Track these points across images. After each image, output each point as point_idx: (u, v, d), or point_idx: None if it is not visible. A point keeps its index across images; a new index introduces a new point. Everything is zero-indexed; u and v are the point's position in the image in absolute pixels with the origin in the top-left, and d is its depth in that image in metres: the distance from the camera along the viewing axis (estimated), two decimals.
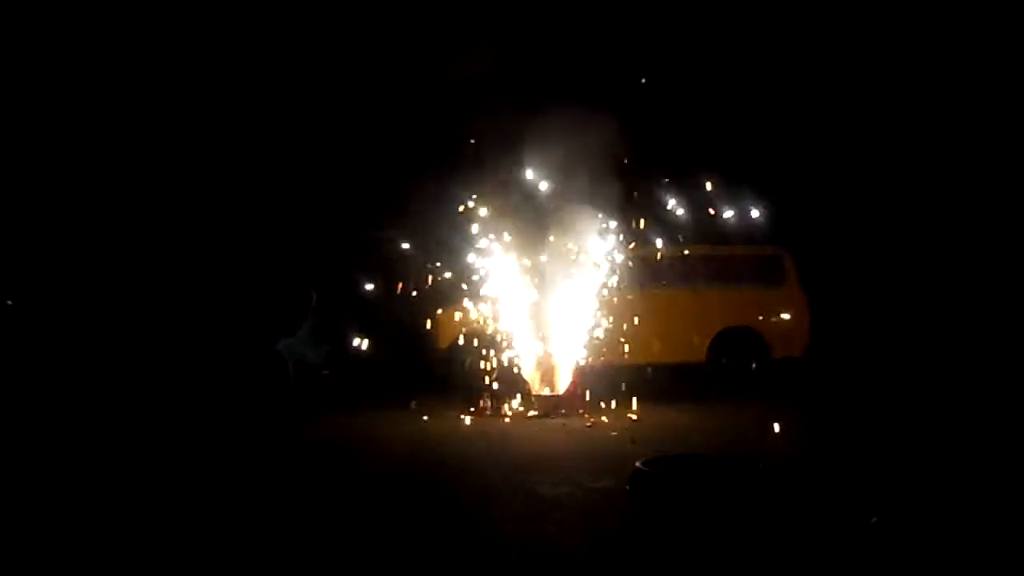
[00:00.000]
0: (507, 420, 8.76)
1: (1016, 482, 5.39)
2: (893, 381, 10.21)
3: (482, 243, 9.47)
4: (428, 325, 10.43)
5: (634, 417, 8.49)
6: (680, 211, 10.50)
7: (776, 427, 7.36)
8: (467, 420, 8.64)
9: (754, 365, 10.42)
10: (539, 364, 9.45)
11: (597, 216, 9.25)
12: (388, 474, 6.33)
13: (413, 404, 9.12)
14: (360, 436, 7.93)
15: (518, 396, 9.29)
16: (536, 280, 9.47)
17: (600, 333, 9.61)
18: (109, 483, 6.02)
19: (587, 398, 9.13)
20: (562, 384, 9.35)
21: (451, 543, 4.63)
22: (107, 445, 7.42)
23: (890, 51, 13.22)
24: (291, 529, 4.86)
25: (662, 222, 10.44)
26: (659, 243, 10.36)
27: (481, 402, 9.18)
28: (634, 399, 9.01)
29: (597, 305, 9.56)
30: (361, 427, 8.38)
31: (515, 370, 9.48)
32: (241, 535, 4.80)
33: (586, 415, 8.72)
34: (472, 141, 9.68)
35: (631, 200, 9.70)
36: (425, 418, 8.67)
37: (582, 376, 9.37)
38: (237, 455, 7.04)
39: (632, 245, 9.95)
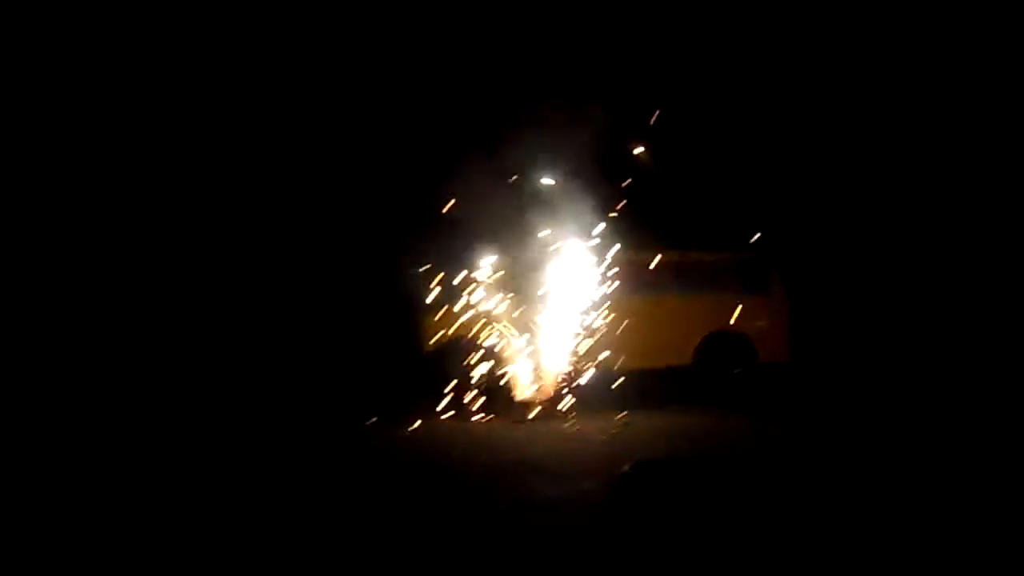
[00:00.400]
0: (492, 424, 8.71)
1: (1001, 481, 5.41)
2: (878, 384, 10.27)
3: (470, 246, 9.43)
4: (413, 327, 10.38)
5: (621, 421, 8.47)
6: (666, 216, 10.52)
7: (763, 430, 7.36)
8: (452, 424, 8.58)
9: (739, 369, 10.45)
10: (525, 368, 9.41)
11: (584, 220, 9.22)
12: (373, 477, 6.29)
13: (400, 408, 9.06)
14: (345, 439, 7.87)
15: (504, 400, 9.24)
16: (522, 284, 9.43)
17: (586, 337, 9.57)
18: (103, 486, 5.95)
19: (573, 402, 9.10)
20: (548, 388, 9.31)
21: (438, 546, 4.59)
22: (99, 449, 7.34)
23: (875, 62, 13.33)
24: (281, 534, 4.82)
25: (647, 226, 10.43)
26: (645, 248, 10.35)
27: (466, 406, 9.13)
28: (621, 403, 8.98)
29: (584, 309, 9.53)
30: (347, 430, 8.32)
31: (500, 373, 9.44)
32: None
33: (572, 419, 8.69)
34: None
35: (618, 205, 9.69)
36: (412, 421, 8.62)
37: (568, 380, 9.34)
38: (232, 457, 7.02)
39: (618, 250, 9.93)
